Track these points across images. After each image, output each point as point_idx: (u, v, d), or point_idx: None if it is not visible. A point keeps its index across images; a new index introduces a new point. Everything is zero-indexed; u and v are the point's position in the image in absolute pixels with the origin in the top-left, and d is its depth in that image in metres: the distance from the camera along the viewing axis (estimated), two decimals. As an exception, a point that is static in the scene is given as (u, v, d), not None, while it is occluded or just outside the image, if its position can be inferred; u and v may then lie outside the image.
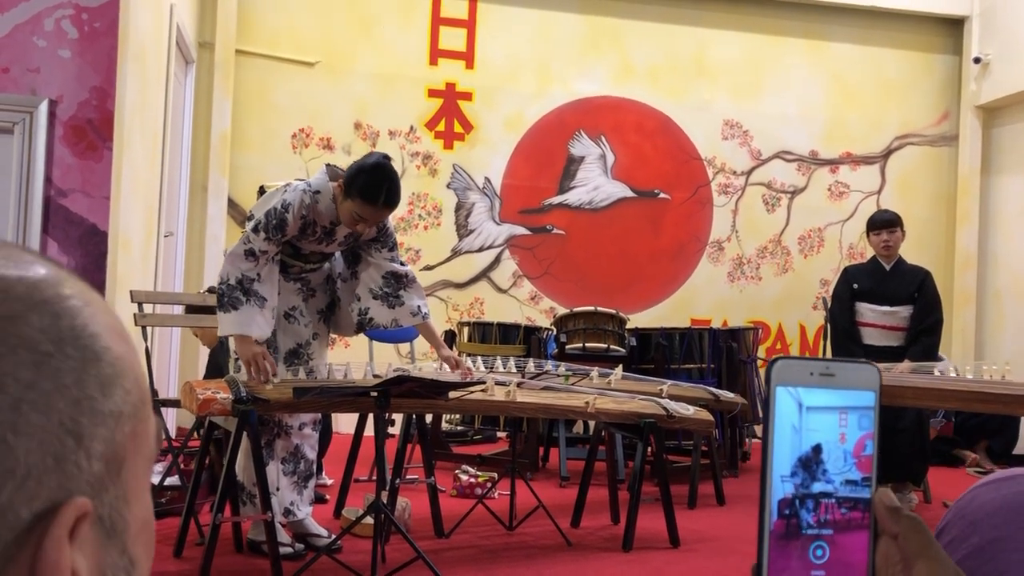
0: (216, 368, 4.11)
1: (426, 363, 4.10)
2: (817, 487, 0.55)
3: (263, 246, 3.06)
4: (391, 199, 3.07)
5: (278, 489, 3.24)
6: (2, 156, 3.34)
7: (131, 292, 3.67)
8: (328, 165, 3.26)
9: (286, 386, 3.04)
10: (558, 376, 3.86)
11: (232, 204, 5.75)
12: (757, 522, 0.56)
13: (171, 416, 4.81)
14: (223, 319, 3.06)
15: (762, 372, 5.67)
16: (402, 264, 3.36)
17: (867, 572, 0.56)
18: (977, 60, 6.45)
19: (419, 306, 3.31)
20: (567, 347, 4.86)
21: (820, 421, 0.56)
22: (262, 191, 3.35)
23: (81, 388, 0.44)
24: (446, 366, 3.39)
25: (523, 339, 4.91)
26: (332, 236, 3.22)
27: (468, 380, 3.29)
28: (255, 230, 3.07)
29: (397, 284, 3.30)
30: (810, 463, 0.56)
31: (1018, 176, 6.30)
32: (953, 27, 6.68)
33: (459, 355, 4.74)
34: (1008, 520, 0.73)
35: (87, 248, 3.27)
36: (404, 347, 5.33)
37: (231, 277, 3.05)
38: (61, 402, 0.43)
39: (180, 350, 5.45)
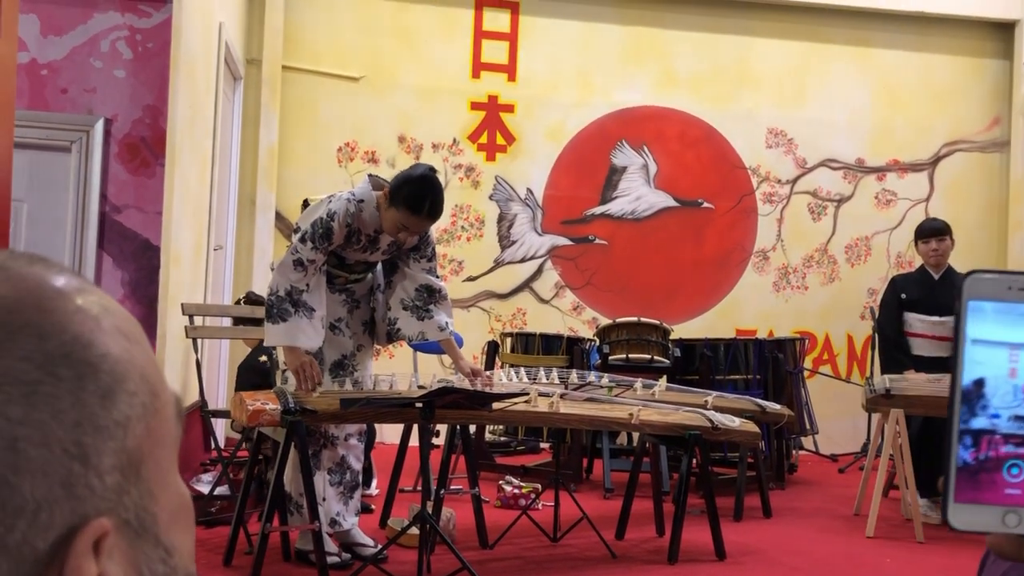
0: (245, 381, 4.17)
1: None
2: (977, 423, 0.54)
3: (311, 255, 3.11)
4: (434, 210, 3.12)
5: (324, 499, 3.28)
6: (60, 173, 3.44)
7: (182, 305, 3.75)
8: (371, 175, 3.32)
9: (333, 397, 3.09)
10: (601, 387, 3.86)
11: (279, 217, 5.85)
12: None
13: (220, 426, 4.90)
14: (271, 330, 3.11)
15: (809, 383, 5.62)
16: (438, 277, 3.40)
17: None
18: (1029, 64, 6.33)
19: (447, 322, 3.36)
20: (610, 358, 4.84)
21: (986, 354, 0.54)
22: (306, 204, 3.42)
23: (80, 408, 0.42)
24: (478, 378, 3.40)
25: (566, 350, 4.91)
26: (376, 245, 3.26)
27: (511, 392, 3.30)
28: (302, 240, 3.13)
29: (429, 298, 3.34)
30: (971, 397, 0.54)
31: (1073, 182, 6.16)
32: (1003, 31, 6.56)
33: (502, 366, 4.78)
34: None
35: (140, 262, 3.35)
36: (448, 359, 5.35)
37: (280, 288, 3.10)
38: (60, 430, 0.42)
39: (229, 361, 5.54)
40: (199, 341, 3.79)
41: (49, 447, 0.41)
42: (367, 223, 3.19)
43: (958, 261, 4.98)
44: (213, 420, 3.92)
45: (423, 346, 4.21)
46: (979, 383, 0.54)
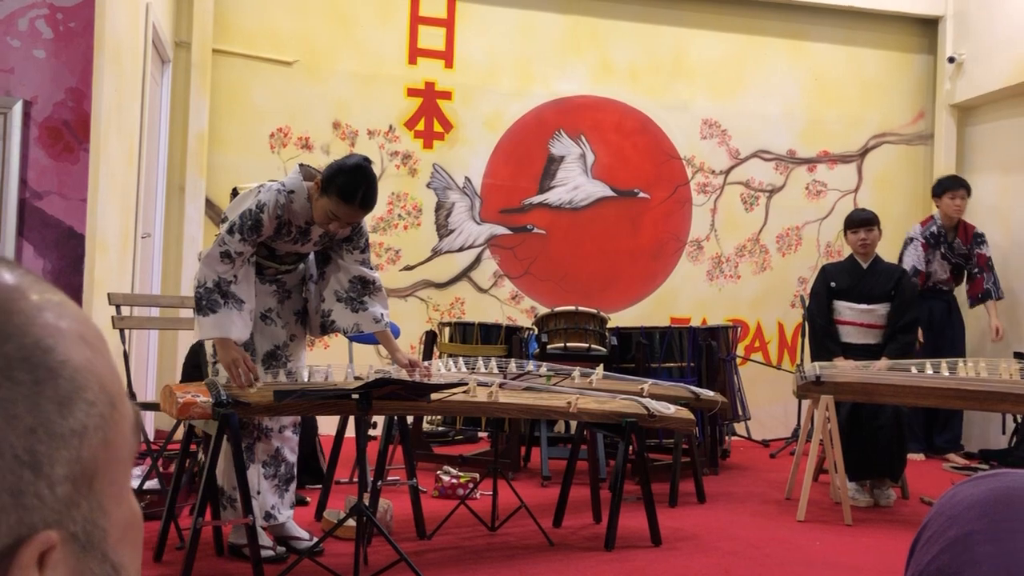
0: (193, 370, 4.08)
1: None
2: None
3: (239, 247, 3.04)
4: (367, 200, 3.07)
5: (259, 493, 3.22)
6: (-24, 158, 3.29)
7: (108, 295, 3.63)
8: (302, 165, 3.25)
9: (267, 389, 3.03)
10: (540, 376, 3.86)
11: (210, 204, 5.71)
12: None
13: (150, 419, 4.78)
14: (202, 323, 3.04)
15: (741, 370, 5.72)
16: (371, 269, 3.35)
17: None
18: (952, 60, 6.52)
19: (382, 314, 3.31)
20: (548, 347, 4.86)
21: None
22: (235, 193, 3.33)
23: (36, 414, 0.41)
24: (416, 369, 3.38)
25: (504, 339, 4.90)
26: (307, 236, 3.21)
27: (449, 382, 3.29)
28: (230, 232, 3.05)
29: (363, 289, 3.29)
30: None
31: (992, 174, 6.38)
32: (928, 27, 6.75)
33: (440, 355, 4.75)
34: (983, 513, 0.75)
35: (63, 251, 3.23)
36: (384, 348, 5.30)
37: (208, 280, 3.03)
38: (12, 435, 0.41)
39: (158, 352, 5.40)
40: (127, 332, 3.68)
41: (0, 452, 0.40)
42: (298, 214, 3.13)
43: (885, 251, 5.13)
44: (142, 413, 3.81)
45: (359, 336, 4.15)
46: None
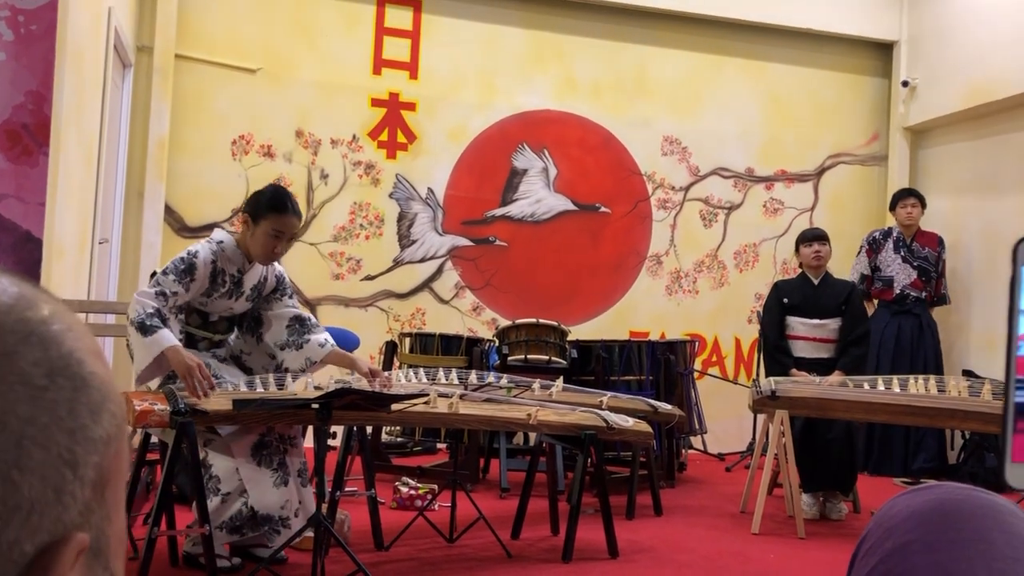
0: None
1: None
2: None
3: (173, 287, 3.15)
4: (296, 207, 3.33)
5: (300, 503, 3.26)
6: (-70, 159, 3.22)
7: (64, 301, 3.58)
8: (218, 227, 3.52)
9: (225, 397, 3.01)
10: (500, 388, 3.88)
11: (169, 211, 5.65)
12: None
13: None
14: (151, 341, 3.05)
15: (699, 384, 5.80)
16: (301, 307, 3.54)
17: None
18: (905, 83, 6.69)
19: (325, 339, 3.46)
20: (509, 359, 4.88)
21: None
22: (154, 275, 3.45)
23: (74, 418, 0.44)
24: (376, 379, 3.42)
25: (465, 350, 4.91)
26: (240, 288, 3.34)
27: (411, 393, 3.30)
28: (164, 273, 3.19)
29: (301, 328, 3.44)
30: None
31: (943, 195, 6.55)
32: (883, 51, 6.92)
33: (400, 366, 4.75)
34: (918, 524, 0.77)
35: (20, 255, 3.19)
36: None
37: (148, 308, 3.11)
38: (58, 434, 0.44)
39: (113, 360, 5.32)
40: (82, 338, 3.63)
41: (48, 450, 0.43)
42: (231, 261, 3.30)
43: (838, 268, 5.24)
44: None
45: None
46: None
